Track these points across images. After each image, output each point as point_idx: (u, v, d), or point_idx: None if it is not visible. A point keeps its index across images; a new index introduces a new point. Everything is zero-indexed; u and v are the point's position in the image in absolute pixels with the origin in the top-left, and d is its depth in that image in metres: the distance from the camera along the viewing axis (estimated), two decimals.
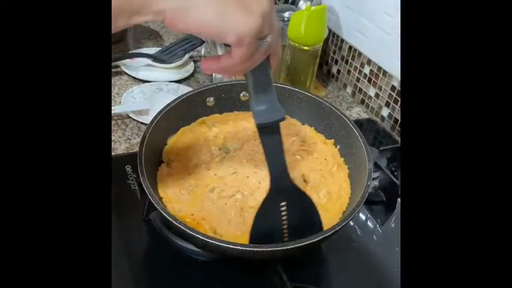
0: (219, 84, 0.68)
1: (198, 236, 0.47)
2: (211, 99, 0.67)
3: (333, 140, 0.66)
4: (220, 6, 0.38)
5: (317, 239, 0.49)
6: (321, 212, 0.55)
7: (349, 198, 0.60)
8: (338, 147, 0.66)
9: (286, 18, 0.97)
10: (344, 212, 0.58)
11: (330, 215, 0.56)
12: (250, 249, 0.48)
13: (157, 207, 0.50)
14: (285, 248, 0.48)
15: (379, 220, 0.69)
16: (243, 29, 0.39)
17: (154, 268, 0.57)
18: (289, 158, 0.62)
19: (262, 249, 0.47)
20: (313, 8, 0.82)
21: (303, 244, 0.48)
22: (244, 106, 0.69)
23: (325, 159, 0.64)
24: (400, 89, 0.87)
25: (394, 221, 0.69)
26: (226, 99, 0.68)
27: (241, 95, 0.68)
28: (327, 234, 0.50)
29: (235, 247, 0.47)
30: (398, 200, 0.71)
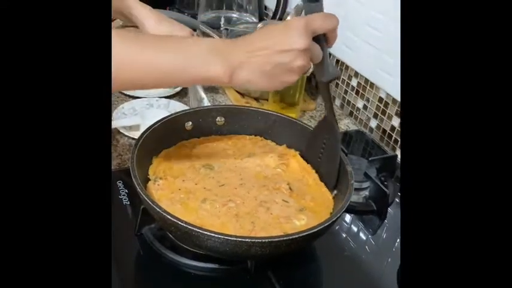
0: (196, 109, 0.72)
1: (170, 218, 0.49)
2: (190, 123, 0.70)
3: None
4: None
5: (312, 231, 0.51)
6: (310, 214, 0.59)
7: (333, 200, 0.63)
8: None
9: None
10: (331, 212, 0.60)
11: (319, 216, 0.59)
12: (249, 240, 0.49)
13: (142, 193, 0.52)
14: (278, 240, 0.50)
15: (370, 230, 0.69)
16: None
17: (147, 282, 0.57)
18: (271, 171, 0.67)
19: (254, 240, 0.49)
20: None
21: (306, 234, 0.51)
22: (220, 130, 0.73)
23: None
24: (387, 101, 0.88)
25: (386, 232, 0.70)
26: (203, 124, 0.71)
27: (217, 119, 0.72)
28: (320, 228, 0.52)
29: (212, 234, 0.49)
30: (389, 209, 0.72)
